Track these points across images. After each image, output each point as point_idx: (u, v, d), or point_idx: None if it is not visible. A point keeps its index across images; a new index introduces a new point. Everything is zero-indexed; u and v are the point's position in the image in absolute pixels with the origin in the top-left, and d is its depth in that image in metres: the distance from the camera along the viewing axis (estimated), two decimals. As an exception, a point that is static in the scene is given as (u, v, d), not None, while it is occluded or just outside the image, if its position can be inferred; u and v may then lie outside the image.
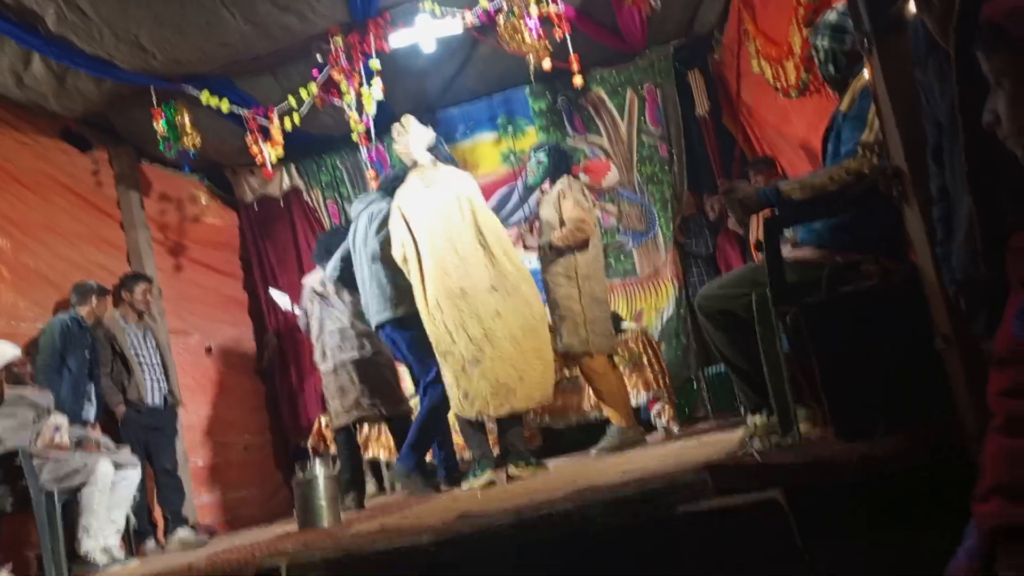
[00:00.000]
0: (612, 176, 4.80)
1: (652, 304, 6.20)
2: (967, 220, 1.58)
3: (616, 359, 4.67)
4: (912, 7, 1.70)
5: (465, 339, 3.80)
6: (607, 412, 4.39)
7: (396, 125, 4.16)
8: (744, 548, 1.94)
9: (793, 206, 2.37)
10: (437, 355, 3.89)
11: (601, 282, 4.44)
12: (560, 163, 4.50)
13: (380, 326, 4.19)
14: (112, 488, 4.05)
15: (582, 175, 4.56)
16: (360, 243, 4.25)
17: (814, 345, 2.16)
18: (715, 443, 3.25)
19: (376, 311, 4.16)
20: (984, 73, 1.18)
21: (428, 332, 3.89)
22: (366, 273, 4.20)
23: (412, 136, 4.13)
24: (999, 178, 1.53)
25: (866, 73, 2.22)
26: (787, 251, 2.64)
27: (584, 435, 4.99)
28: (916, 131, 1.81)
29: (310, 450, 5.65)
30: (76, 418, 4.37)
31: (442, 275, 3.85)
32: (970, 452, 1.69)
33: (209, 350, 6.11)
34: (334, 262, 4.55)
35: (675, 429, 4.88)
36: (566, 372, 5.05)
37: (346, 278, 4.51)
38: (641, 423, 4.80)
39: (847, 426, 2.11)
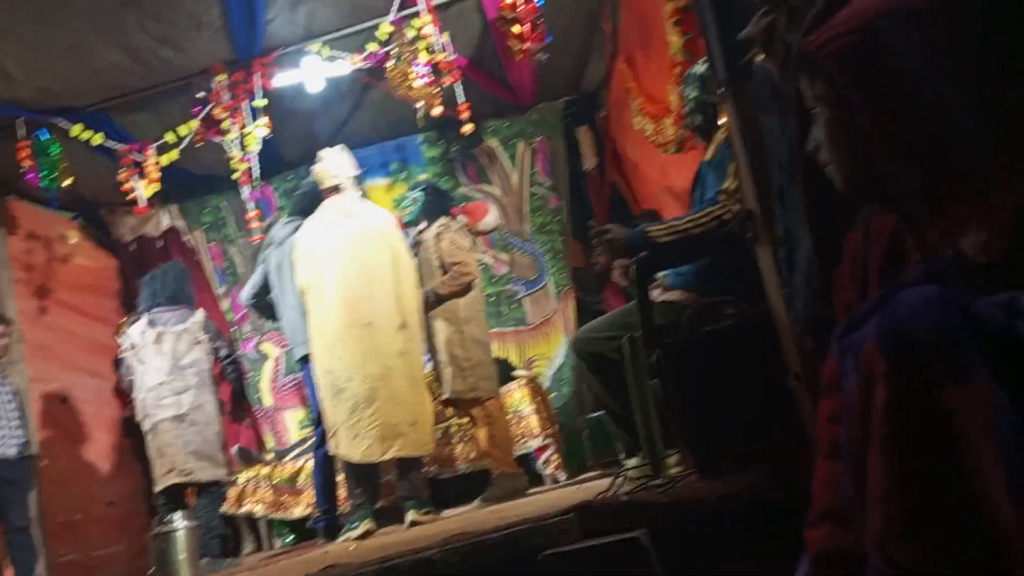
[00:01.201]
0: (491, 219, 4.80)
1: (543, 352, 6.22)
2: (807, 259, 1.64)
3: (503, 406, 4.63)
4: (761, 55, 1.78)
5: (363, 376, 3.69)
6: (492, 461, 4.32)
7: (325, 149, 4.07)
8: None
9: (659, 250, 2.43)
10: (326, 393, 3.75)
11: (482, 324, 4.40)
12: (437, 202, 4.46)
13: (304, 358, 4.04)
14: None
15: (460, 217, 4.55)
16: (288, 269, 4.08)
17: (675, 385, 2.19)
18: (593, 488, 3.24)
19: (303, 341, 4.00)
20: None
21: (323, 368, 3.76)
22: (292, 301, 4.05)
23: (336, 159, 4.03)
24: (838, 216, 1.59)
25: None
26: (657, 294, 2.69)
27: (470, 486, 4.90)
28: (767, 175, 1.88)
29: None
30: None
31: (349, 306, 3.75)
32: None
33: (64, 400, 5.69)
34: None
35: (561, 477, 4.85)
36: (454, 420, 4.97)
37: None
38: (529, 472, 4.75)
39: (708, 464, 2.14)
